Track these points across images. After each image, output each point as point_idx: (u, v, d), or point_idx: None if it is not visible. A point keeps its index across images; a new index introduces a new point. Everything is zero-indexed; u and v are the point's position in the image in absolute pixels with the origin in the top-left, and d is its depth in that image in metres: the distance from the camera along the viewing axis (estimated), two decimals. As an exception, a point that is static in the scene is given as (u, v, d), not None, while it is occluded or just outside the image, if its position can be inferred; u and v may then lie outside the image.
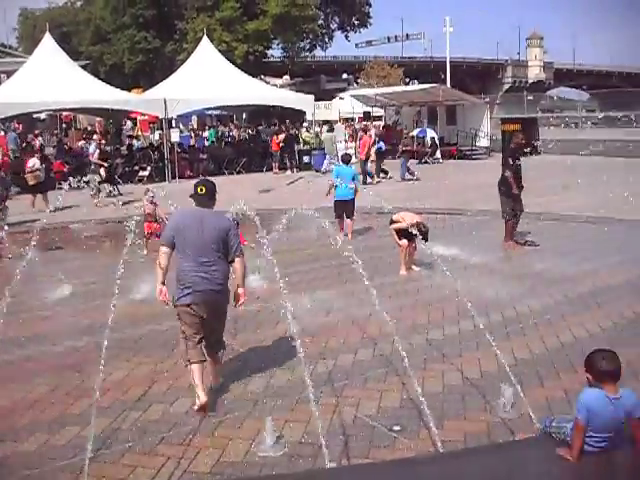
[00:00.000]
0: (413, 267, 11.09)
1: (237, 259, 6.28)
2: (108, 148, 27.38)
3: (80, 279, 11.17)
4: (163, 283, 6.24)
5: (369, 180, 23.56)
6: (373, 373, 6.86)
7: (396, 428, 5.67)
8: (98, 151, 21.35)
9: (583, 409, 4.21)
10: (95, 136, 24.18)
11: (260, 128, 34.60)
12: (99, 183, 20.30)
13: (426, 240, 9.98)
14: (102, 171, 20.68)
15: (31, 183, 19.25)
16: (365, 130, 26.62)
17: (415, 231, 9.34)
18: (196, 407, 6.12)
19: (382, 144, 25.82)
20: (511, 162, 12.54)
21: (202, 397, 6.06)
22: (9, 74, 33.65)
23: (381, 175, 24.90)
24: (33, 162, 19.52)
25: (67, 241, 14.65)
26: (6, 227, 12.46)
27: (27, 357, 7.68)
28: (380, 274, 10.63)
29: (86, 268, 12.09)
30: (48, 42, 28.01)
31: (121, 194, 21.62)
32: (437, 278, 10.11)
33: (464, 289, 9.25)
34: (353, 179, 13.73)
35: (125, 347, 7.70)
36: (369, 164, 24.33)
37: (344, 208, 13.54)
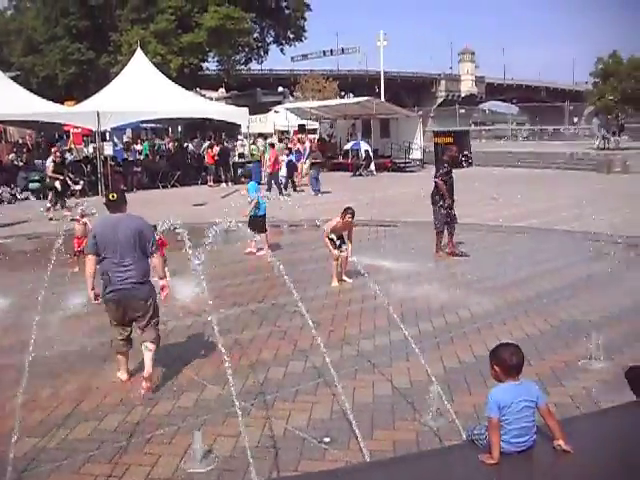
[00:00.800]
0: (345, 278, 11.17)
1: (155, 255, 6.98)
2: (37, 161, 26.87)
3: (6, 296, 10.90)
4: (93, 288, 6.90)
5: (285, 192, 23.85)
6: (304, 386, 6.90)
7: (326, 440, 5.72)
8: (52, 164, 20.90)
9: (494, 406, 4.35)
10: (53, 149, 23.64)
11: (194, 142, 34.32)
12: (55, 196, 20.03)
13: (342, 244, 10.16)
14: (57, 184, 20.23)
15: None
16: (302, 141, 26.84)
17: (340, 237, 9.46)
18: (121, 377, 7.14)
19: (293, 157, 26.07)
20: (444, 173, 12.82)
21: (124, 375, 7.17)
22: None
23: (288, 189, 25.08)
24: None
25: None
26: None
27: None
28: (312, 286, 10.71)
29: (14, 285, 11.79)
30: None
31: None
32: (368, 289, 10.21)
33: (395, 299, 9.45)
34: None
35: (52, 364, 7.54)
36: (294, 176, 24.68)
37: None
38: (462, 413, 5.84)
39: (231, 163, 28.54)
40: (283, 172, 24.80)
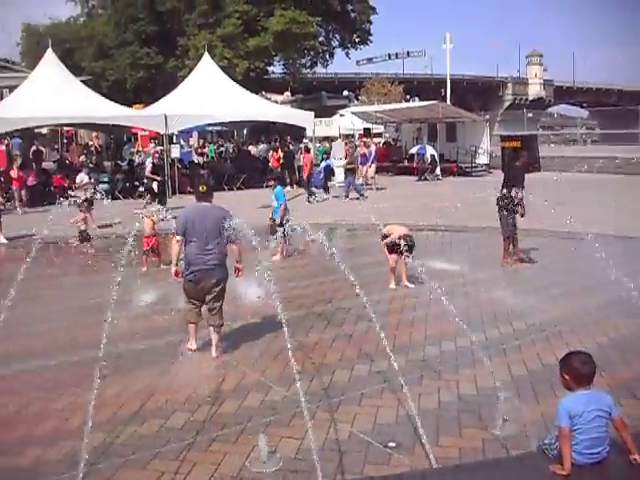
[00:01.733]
0: (407, 283, 11.07)
1: (235, 242, 7.84)
2: (107, 163, 27.51)
3: (77, 294, 11.19)
4: (176, 264, 7.87)
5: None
6: (369, 389, 6.86)
7: (391, 444, 5.67)
8: (151, 165, 21.17)
9: (565, 415, 4.24)
10: (151, 149, 24.14)
11: (258, 145, 34.61)
12: (152, 197, 20.19)
13: (410, 253, 10.05)
14: (155, 185, 20.47)
15: (82, 198, 18.43)
16: (367, 145, 26.73)
17: (402, 243, 9.40)
18: (190, 347, 7.97)
19: (329, 162, 25.92)
20: (519, 181, 12.66)
21: (193, 343, 8.01)
22: (11, 89, 33.88)
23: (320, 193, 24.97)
24: (81, 177, 19.30)
25: (66, 256, 14.64)
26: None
27: (23, 371, 7.64)
28: (377, 290, 10.65)
29: (84, 283, 12.10)
30: (50, 57, 28.19)
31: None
32: (434, 294, 10.10)
33: (461, 305, 9.32)
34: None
35: (122, 362, 7.70)
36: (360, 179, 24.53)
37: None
38: (530, 422, 5.72)
39: (296, 166, 28.64)
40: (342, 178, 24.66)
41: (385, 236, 10.94)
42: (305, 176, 24.27)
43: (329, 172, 25.68)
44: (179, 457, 5.59)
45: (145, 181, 20.72)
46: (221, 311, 7.98)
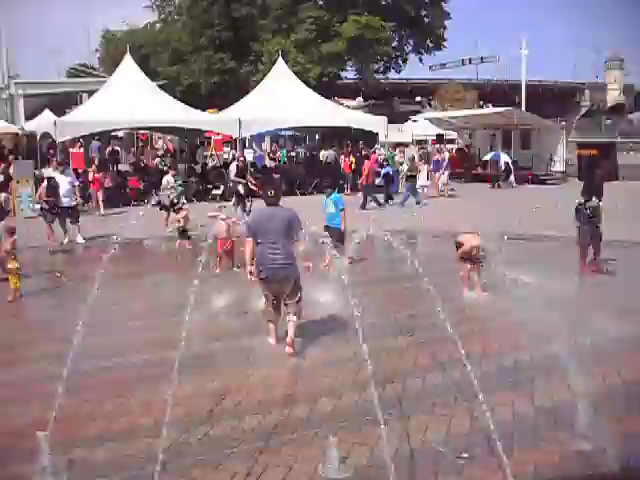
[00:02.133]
0: (481, 292, 10.90)
1: (299, 241, 8.41)
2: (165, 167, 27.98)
3: (155, 294, 11.43)
4: (251, 264, 8.33)
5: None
6: (442, 398, 6.79)
7: (464, 455, 5.60)
8: (236, 168, 21.29)
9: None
10: (237, 153, 24.43)
11: (329, 150, 34.60)
12: (237, 200, 20.20)
13: (481, 263, 9.94)
14: (240, 188, 20.57)
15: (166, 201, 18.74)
16: (440, 151, 26.47)
17: (475, 253, 9.29)
18: (270, 342, 8.44)
19: (389, 169, 25.61)
20: (598, 190, 12.39)
21: (273, 338, 8.48)
22: (90, 93, 34.92)
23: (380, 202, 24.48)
24: (167, 180, 19.35)
25: (140, 256, 14.97)
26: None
27: (101, 369, 7.83)
28: (452, 298, 10.53)
29: (162, 283, 12.34)
30: (128, 63, 28.91)
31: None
32: (507, 303, 9.94)
33: (536, 315, 9.09)
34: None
35: (197, 362, 7.80)
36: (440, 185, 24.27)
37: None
38: (611, 439, 5.53)
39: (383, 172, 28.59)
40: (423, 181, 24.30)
41: (459, 245, 10.83)
42: (364, 182, 24.05)
43: (389, 179, 25.44)
44: (251, 459, 5.64)
45: (230, 184, 20.63)
46: (299, 304, 8.49)
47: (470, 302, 10.63)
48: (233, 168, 21.12)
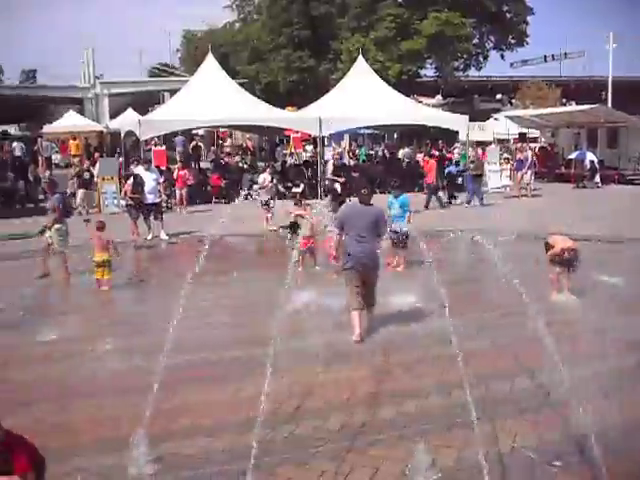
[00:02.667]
0: (569, 296, 10.58)
1: (383, 237, 9.41)
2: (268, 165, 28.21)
3: (239, 291, 11.58)
4: (336, 255, 9.60)
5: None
6: (531, 403, 6.62)
7: (557, 463, 5.43)
8: (332, 167, 21.27)
9: None
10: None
11: (405, 150, 34.33)
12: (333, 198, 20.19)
13: (571, 268, 9.66)
14: (337, 186, 20.37)
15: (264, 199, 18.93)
16: (523, 150, 25.91)
17: (566, 256, 9.03)
18: (354, 338, 8.64)
19: (453, 168, 25.03)
20: None
21: (357, 332, 8.70)
22: (172, 92, 35.69)
23: (444, 201, 24.16)
24: (264, 177, 19.41)
25: (224, 253, 15.14)
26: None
27: (193, 363, 7.94)
28: (535, 300, 10.25)
29: (248, 280, 12.45)
30: (210, 62, 29.33)
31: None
32: (596, 308, 9.65)
33: (625, 321, 8.80)
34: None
35: (282, 359, 7.78)
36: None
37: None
38: None
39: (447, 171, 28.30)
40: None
41: (549, 246, 10.54)
42: (427, 182, 23.74)
43: (452, 179, 24.98)
44: (337, 458, 5.61)
45: (326, 182, 20.46)
46: (374, 293, 9.08)
47: (558, 305, 10.30)
48: (329, 166, 20.92)
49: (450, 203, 24.22)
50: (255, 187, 25.50)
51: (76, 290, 12.16)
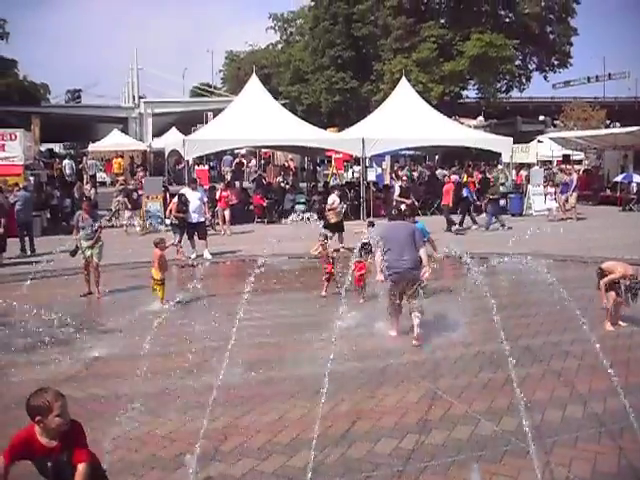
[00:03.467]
0: (620, 322, 10.37)
1: (421, 250, 9.98)
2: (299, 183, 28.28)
3: (283, 311, 11.62)
4: (382, 271, 9.93)
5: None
6: (585, 432, 6.48)
7: (614, 496, 5.32)
8: (400, 189, 21.05)
9: None
10: (401, 172, 24.45)
11: (439, 171, 34.20)
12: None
13: (632, 295, 9.46)
14: (403, 207, 20.00)
15: (332, 221, 18.48)
16: (569, 173, 25.59)
17: (626, 283, 8.82)
18: (391, 334, 9.95)
19: (467, 192, 24.69)
20: None
21: (394, 333, 9.95)
22: (215, 112, 36.12)
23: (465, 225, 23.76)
24: (333, 199, 19.05)
25: (269, 274, 15.14)
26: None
27: (240, 384, 7.92)
28: (586, 327, 10.07)
29: (287, 302, 12.48)
30: (254, 82, 29.62)
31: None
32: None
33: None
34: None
35: (332, 382, 7.67)
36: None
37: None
38: None
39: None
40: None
41: (603, 272, 10.28)
42: (444, 203, 23.47)
43: (468, 203, 24.75)
44: (388, 484, 5.57)
45: (394, 204, 20.13)
46: (417, 298, 9.71)
47: (611, 332, 10.09)
48: (397, 188, 20.62)
49: (461, 225, 23.81)
50: (297, 207, 25.70)
51: (127, 307, 12.25)
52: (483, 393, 7.53)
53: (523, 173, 32.33)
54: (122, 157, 44.91)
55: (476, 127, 46.52)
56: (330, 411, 7.07)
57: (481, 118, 56.11)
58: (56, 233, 23.18)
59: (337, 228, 18.29)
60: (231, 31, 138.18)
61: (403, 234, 9.98)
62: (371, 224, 13.95)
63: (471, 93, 55.50)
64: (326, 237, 13.04)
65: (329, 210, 18.71)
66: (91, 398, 7.25)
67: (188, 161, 26.75)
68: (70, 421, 4.33)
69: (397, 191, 20.44)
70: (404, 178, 22.08)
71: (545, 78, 56.94)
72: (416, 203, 20.44)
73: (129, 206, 24.49)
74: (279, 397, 7.55)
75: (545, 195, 27.44)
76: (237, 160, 38.68)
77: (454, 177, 26.47)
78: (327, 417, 6.89)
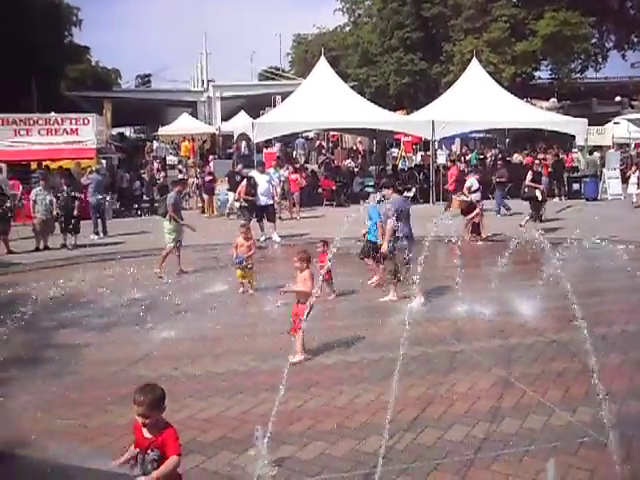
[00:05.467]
0: None
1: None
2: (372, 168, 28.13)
3: (355, 297, 11.57)
4: (390, 240, 10.95)
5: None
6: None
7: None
8: (531, 174, 19.60)
9: None
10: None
11: (517, 153, 33.41)
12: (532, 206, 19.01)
13: None
14: (538, 193, 18.98)
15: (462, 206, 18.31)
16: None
17: None
18: (393, 298, 11.00)
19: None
20: None
21: (394, 298, 11.00)
22: (283, 95, 36.19)
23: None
24: (471, 182, 18.37)
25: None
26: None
27: (310, 368, 7.98)
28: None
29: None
30: (323, 65, 29.48)
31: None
32: None
33: None
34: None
35: (402, 366, 7.58)
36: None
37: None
38: None
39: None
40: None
41: None
42: (450, 189, 22.85)
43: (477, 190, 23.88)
44: (460, 472, 5.48)
45: (526, 190, 19.52)
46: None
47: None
48: (529, 175, 19.86)
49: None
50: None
51: (201, 288, 12.35)
52: (557, 382, 7.33)
53: (574, 156, 31.45)
54: (191, 140, 45.46)
55: (548, 109, 45.22)
56: (400, 396, 6.98)
57: (554, 99, 54.50)
58: (126, 216, 23.77)
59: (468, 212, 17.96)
60: (299, 14, 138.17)
61: (407, 209, 11.48)
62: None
63: (543, 74, 54.04)
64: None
65: (471, 192, 18.08)
66: (162, 378, 7.34)
67: (257, 144, 26.83)
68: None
69: (529, 177, 19.46)
70: (537, 163, 21.37)
71: (623, 57, 54.89)
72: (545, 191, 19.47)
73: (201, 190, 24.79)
74: (350, 381, 7.53)
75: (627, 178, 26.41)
76: (318, 143, 38.81)
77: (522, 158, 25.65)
78: (397, 402, 6.82)
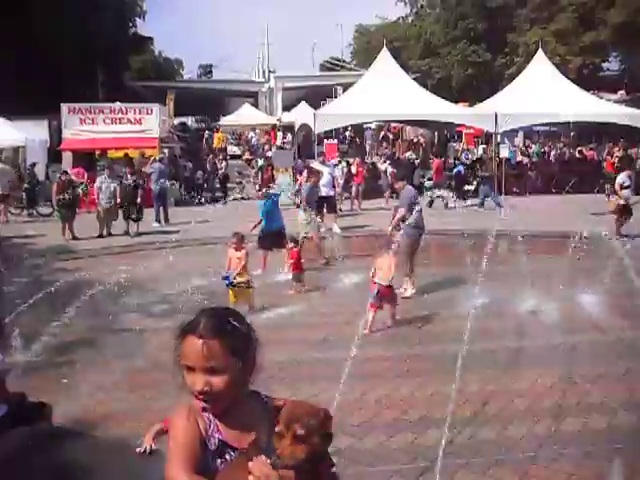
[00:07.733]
0: None
1: None
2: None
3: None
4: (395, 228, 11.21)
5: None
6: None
7: None
8: None
9: None
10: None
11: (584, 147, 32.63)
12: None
13: None
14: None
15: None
16: None
17: None
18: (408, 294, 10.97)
19: (461, 167, 23.15)
20: None
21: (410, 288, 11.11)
22: (344, 86, 36.12)
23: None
24: (622, 178, 17.60)
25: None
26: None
27: (373, 359, 7.89)
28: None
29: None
30: (385, 56, 29.27)
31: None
32: None
33: None
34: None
35: (465, 361, 7.00)
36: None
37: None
38: None
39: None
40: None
41: None
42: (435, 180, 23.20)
43: (461, 179, 23.31)
44: (521, 469, 5.41)
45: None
46: None
47: None
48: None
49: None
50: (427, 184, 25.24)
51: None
52: (621, 382, 7.17)
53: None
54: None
55: (616, 102, 44.07)
56: (460, 390, 6.93)
57: (622, 92, 53.11)
58: (188, 204, 24.13)
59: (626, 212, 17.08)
60: (360, 4, 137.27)
61: (418, 200, 12.07)
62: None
63: (613, 65, 52.66)
64: None
65: (623, 188, 17.28)
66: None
67: (319, 135, 26.86)
68: None
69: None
70: (524, 154, 21.27)
71: None
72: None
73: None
74: (410, 374, 7.53)
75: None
76: (382, 134, 38.67)
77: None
78: (457, 396, 6.79)
